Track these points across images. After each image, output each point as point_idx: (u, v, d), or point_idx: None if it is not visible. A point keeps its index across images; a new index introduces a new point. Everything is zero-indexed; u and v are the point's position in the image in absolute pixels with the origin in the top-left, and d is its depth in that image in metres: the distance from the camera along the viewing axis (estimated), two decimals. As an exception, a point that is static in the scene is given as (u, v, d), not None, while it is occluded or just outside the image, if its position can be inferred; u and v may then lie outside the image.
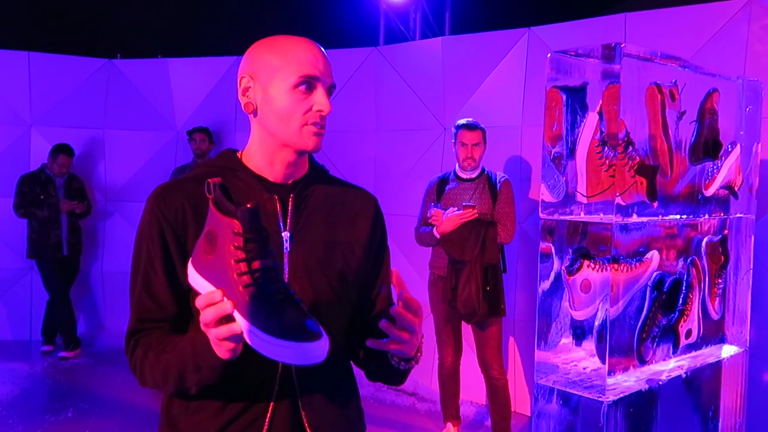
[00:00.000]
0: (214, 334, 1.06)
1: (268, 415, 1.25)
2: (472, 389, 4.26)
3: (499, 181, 3.55)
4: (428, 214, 3.50)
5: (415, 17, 5.33)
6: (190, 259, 1.14)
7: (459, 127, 3.57)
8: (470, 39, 4.65)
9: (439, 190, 3.65)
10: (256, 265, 1.05)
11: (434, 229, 3.44)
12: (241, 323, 1.05)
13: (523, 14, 4.93)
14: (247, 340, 1.05)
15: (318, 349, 1.03)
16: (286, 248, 1.26)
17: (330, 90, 1.27)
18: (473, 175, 3.59)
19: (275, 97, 1.23)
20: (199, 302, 1.07)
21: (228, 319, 1.05)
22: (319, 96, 1.24)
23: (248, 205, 1.06)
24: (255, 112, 1.26)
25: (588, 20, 4.04)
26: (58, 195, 5.37)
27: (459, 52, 4.63)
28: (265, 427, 1.24)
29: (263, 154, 1.28)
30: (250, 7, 8.02)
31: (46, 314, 5.52)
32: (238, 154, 1.33)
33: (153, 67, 6.00)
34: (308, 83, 1.23)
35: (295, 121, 1.23)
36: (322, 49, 1.28)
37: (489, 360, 3.51)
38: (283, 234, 1.26)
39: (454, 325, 3.62)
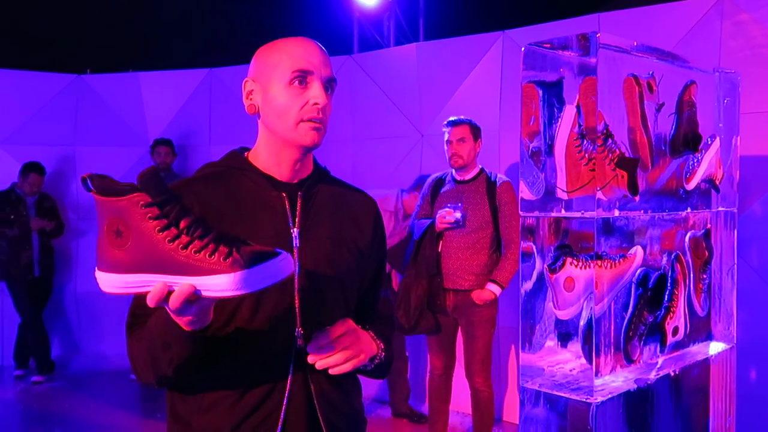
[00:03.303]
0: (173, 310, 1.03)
1: (283, 408, 1.25)
2: (457, 399, 4.16)
3: (499, 183, 3.32)
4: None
5: (389, 24, 5.29)
6: (96, 268, 1.06)
7: (445, 126, 3.39)
8: (445, 44, 4.62)
9: (434, 192, 3.45)
10: (184, 223, 1.00)
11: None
12: (207, 283, 0.99)
13: (498, 17, 4.91)
14: (224, 292, 0.99)
15: (284, 262, 1.01)
16: (296, 245, 1.29)
17: (329, 84, 1.29)
18: (467, 177, 3.37)
19: (274, 96, 1.27)
20: (150, 301, 1.02)
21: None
22: (314, 89, 1.26)
23: (144, 171, 1.00)
24: (258, 114, 1.31)
25: (562, 21, 4.02)
26: (29, 214, 5.23)
27: (434, 57, 4.59)
28: (281, 421, 1.25)
29: (270, 154, 1.32)
30: (221, 19, 7.96)
31: (18, 338, 5.34)
32: (246, 154, 1.35)
33: (124, 81, 5.90)
34: (302, 78, 1.26)
35: (292, 117, 1.26)
36: (319, 45, 1.31)
37: (473, 370, 3.40)
38: (292, 231, 1.29)
39: (442, 333, 3.46)
